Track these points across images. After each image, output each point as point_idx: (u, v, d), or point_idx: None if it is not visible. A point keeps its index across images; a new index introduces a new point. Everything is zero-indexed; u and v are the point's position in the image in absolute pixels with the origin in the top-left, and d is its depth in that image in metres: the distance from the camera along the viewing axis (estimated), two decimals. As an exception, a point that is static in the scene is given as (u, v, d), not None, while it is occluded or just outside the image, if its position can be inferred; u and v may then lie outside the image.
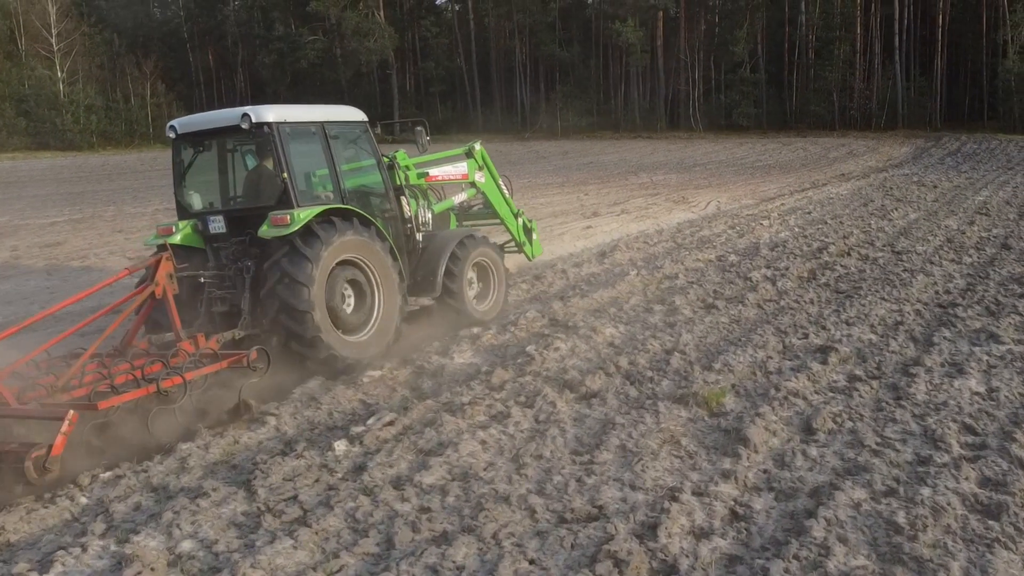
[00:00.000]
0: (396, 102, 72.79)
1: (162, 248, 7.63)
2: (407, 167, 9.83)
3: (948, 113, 57.94)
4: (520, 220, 12.00)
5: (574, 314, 10.21)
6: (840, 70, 58.47)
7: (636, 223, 19.84)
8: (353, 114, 9.50)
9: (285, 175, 8.05)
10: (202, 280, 8.20)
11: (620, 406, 6.92)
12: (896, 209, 19.38)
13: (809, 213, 19.70)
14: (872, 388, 7.09)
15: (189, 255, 8.35)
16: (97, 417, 6.19)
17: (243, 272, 8.12)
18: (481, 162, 11.21)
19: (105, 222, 22.40)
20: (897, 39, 56.82)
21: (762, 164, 39.15)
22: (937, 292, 10.81)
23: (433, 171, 10.42)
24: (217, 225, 8.47)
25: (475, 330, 9.57)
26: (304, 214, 7.87)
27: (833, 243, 14.66)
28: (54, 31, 70.71)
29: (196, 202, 8.86)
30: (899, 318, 9.44)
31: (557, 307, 10.44)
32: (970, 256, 13.19)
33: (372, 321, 8.60)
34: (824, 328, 9.12)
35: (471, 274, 10.16)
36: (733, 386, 7.30)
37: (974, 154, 39.31)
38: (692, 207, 23.07)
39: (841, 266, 12.67)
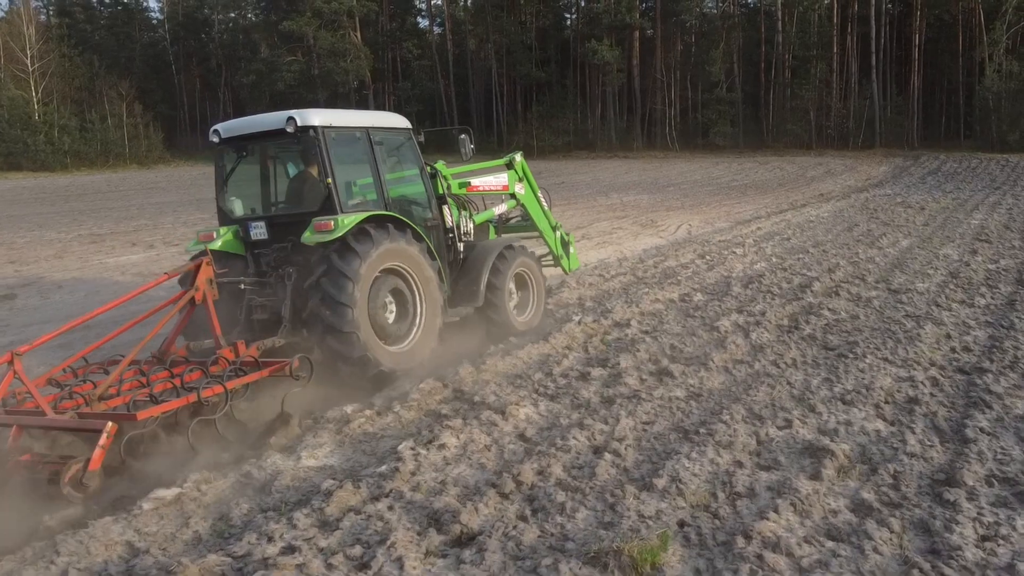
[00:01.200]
0: (373, 122, 70.08)
1: (202, 253, 7.43)
2: (449, 176, 9.36)
3: (924, 132, 55.84)
4: (558, 233, 11.49)
5: (486, 383, 7.54)
6: (817, 89, 56.32)
7: (596, 250, 17.27)
8: (398, 121, 9.02)
9: (329, 180, 7.63)
10: (243, 287, 7.75)
11: (503, 568, 4.29)
12: (885, 235, 16.86)
13: (788, 239, 17.18)
14: (892, 533, 4.47)
15: (229, 261, 7.93)
16: (136, 428, 5.75)
17: (284, 279, 7.65)
18: (521, 173, 10.71)
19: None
20: (874, 58, 54.71)
21: (738, 184, 36.75)
22: (954, 349, 8.24)
23: (475, 181, 9.98)
24: (259, 231, 8.03)
25: (348, 409, 6.90)
26: (348, 220, 7.39)
27: (817, 278, 12.12)
28: (29, 53, 68.64)
29: (237, 208, 8.42)
30: (912, 392, 6.84)
31: (467, 373, 7.76)
32: (983, 296, 10.64)
33: (413, 331, 8.08)
34: (812, 410, 6.50)
35: (511, 285, 9.60)
36: (681, 526, 4.67)
37: (955, 173, 37.08)
38: (661, 231, 20.54)
39: (829, 310, 10.09)
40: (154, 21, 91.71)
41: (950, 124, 57.31)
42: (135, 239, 21.01)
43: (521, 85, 69.86)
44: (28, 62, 68.59)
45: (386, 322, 7.79)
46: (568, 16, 74.40)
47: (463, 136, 9.68)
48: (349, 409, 6.89)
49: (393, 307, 7.95)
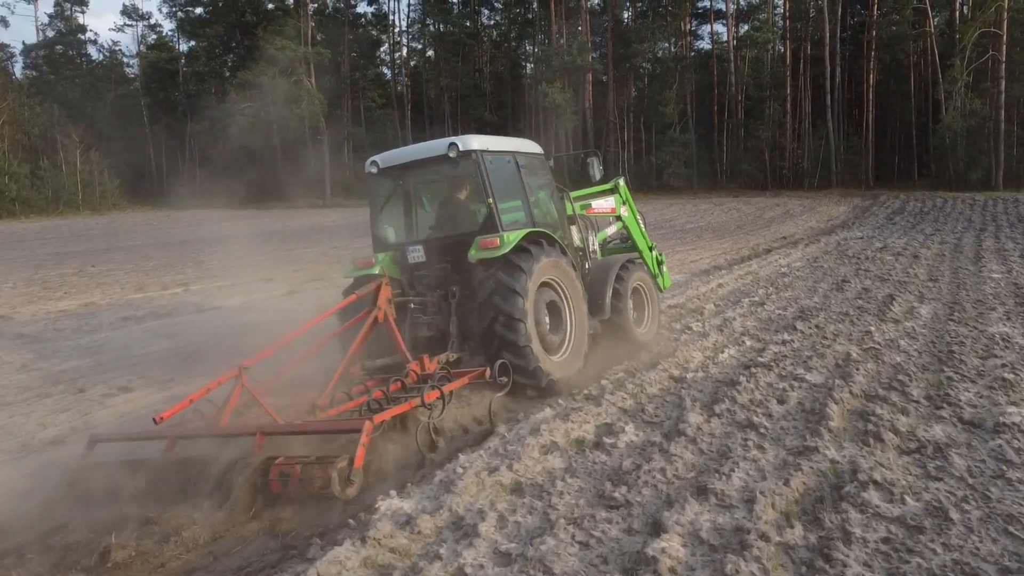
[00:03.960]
0: (327, 168, 65.34)
1: (366, 277, 7.49)
2: (574, 199, 9.08)
3: (877, 172, 51.41)
4: (654, 253, 10.78)
5: None
6: (771, 129, 51.72)
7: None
8: (534, 147, 8.72)
9: (491, 200, 7.49)
10: (412, 306, 7.64)
11: None
12: (893, 298, 11.52)
13: (762, 304, 11.82)
14: None
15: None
16: (374, 431, 5.47)
17: (448, 297, 7.63)
18: (624, 197, 10.34)
19: None
20: (829, 98, 50.26)
21: (693, 226, 31.61)
22: None
23: (593, 204, 9.78)
24: (416, 255, 7.85)
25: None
26: (512, 236, 7.29)
27: (828, 389, 6.73)
28: (-20, 101, 63.93)
29: (391, 235, 8.26)
30: None
31: None
32: None
33: (567, 342, 7.84)
34: None
35: (631, 299, 9.11)
36: None
37: (923, 213, 32.22)
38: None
39: (873, 484, 4.67)
40: (131, 75, 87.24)
41: (902, 164, 53.02)
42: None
43: (476, 128, 64.93)
44: (-19, 110, 63.75)
45: (547, 333, 7.52)
46: (524, 63, 70.26)
47: (591, 159, 9.33)
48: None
49: (547, 319, 7.60)
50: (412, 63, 76.17)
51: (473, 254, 7.22)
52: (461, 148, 7.45)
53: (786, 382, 7.18)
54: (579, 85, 58.62)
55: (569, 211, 8.87)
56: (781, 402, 6.60)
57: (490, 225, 7.46)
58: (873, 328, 9.35)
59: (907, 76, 51.30)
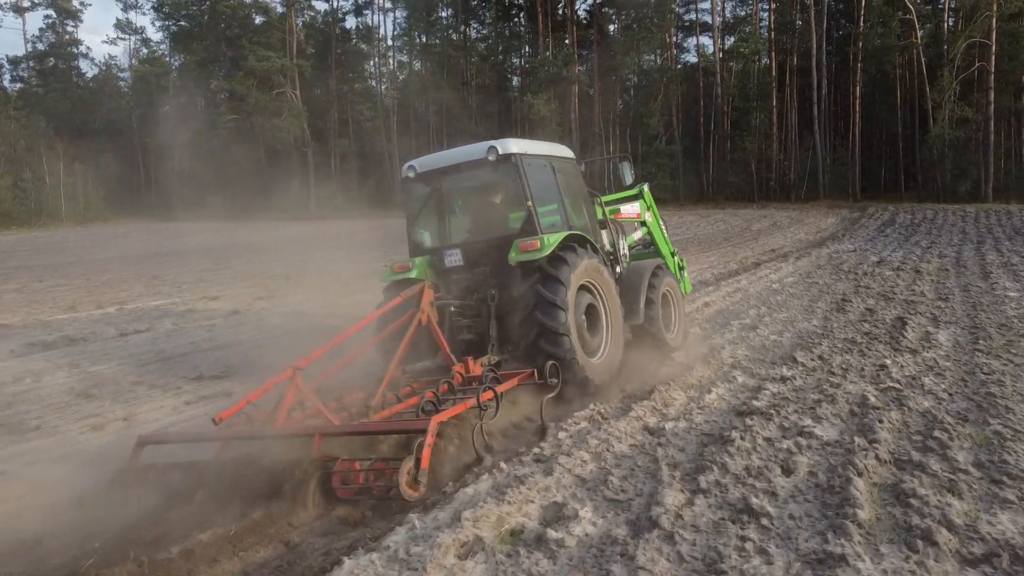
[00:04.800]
0: (312, 179, 63.81)
1: (407, 281, 7.31)
2: (603, 203, 8.93)
3: (863, 184, 49.98)
4: (676, 259, 10.47)
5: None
6: (757, 141, 50.26)
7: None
8: (567, 151, 8.55)
9: (530, 203, 7.29)
10: (452, 309, 7.36)
11: None
12: (904, 321, 9.88)
13: (754, 328, 10.17)
14: None
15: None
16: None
17: (488, 300, 7.31)
18: (648, 202, 10.16)
19: None
20: (816, 108, 48.86)
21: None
22: None
23: (622, 209, 9.55)
24: (454, 259, 7.68)
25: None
26: (553, 239, 7.10)
27: (846, 450, 5.08)
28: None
29: (427, 239, 8.05)
30: None
31: None
32: None
33: (604, 344, 7.56)
34: None
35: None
36: None
37: (914, 225, 30.73)
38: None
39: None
40: (125, 90, 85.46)
41: (889, 175, 51.65)
42: None
43: (462, 141, 63.35)
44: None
45: (586, 336, 7.28)
46: (511, 76, 68.73)
47: (624, 163, 9.16)
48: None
49: (585, 322, 7.35)
50: (400, 76, 74.68)
51: (514, 257, 7.08)
52: (501, 152, 7.29)
53: (791, 439, 5.51)
54: (565, 97, 57.12)
55: (600, 216, 8.70)
56: (787, 472, 4.93)
57: (529, 228, 7.28)
58: (888, 360, 7.70)
59: (893, 87, 49.95)
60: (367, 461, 4.95)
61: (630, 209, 9.83)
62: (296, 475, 4.82)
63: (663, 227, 10.56)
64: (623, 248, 9.05)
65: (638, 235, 10.24)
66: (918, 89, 46.69)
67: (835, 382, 7.06)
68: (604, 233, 8.70)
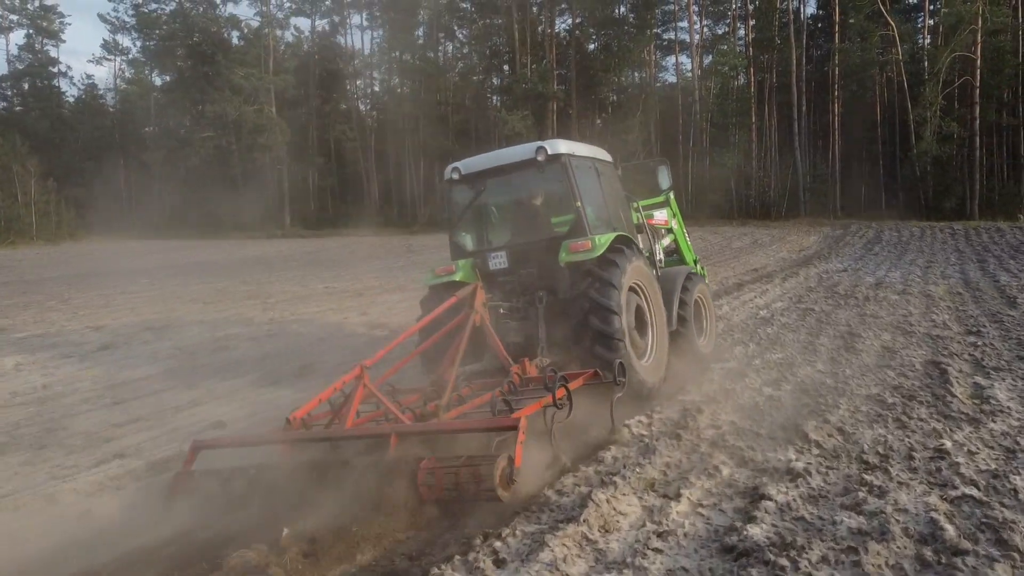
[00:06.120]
0: (287, 196, 61.21)
1: (451, 284, 7.08)
2: (639, 208, 8.62)
3: (843, 201, 47.70)
4: (698, 266, 9.95)
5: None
6: (736, 158, 47.89)
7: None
8: (606, 154, 8.23)
9: (579, 203, 6.99)
10: (501, 311, 7.06)
11: None
12: (942, 369, 7.21)
13: (742, 377, 7.47)
14: None
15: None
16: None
17: (536, 302, 7.00)
18: (674, 210, 9.77)
19: None
20: (796, 125, 46.61)
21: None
22: None
23: (655, 215, 9.23)
24: (498, 261, 7.37)
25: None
26: (604, 239, 6.83)
27: None
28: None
29: (470, 242, 7.70)
30: None
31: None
32: None
33: (651, 347, 7.25)
34: None
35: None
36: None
37: (903, 243, 28.29)
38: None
39: None
40: (108, 107, 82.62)
41: (870, 193, 49.41)
42: None
43: (438, 156, 60.85)
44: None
45: (637, 339, 7.02)
46: (491, 96, 66.41)
47: (662, 167, 8.99)
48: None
49: (634, 324, 7.07)
50: (379, 92, 72.30)
51: (564, 257, 6.82)
52: (550, 152, 7.00)
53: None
54: (543, 114, 54.74)
55: (636, 220, 8.43)
56: None
57: (579, 228, 7.01)
58: (946, 439, 5.02)
59: (873, 105, 47.83)
60: (455, 460, 4.51)
61: (660, 216, 9.43)
62: (377, 477, 4.48)
63: (687, 235, 10.20)
64: (659, 253, 8.76)
65: (667, 241, 9.75)
66: (899, 105, 44.53)
67: (875, 484, 4.36)
68: (641, 238, 8.30)
